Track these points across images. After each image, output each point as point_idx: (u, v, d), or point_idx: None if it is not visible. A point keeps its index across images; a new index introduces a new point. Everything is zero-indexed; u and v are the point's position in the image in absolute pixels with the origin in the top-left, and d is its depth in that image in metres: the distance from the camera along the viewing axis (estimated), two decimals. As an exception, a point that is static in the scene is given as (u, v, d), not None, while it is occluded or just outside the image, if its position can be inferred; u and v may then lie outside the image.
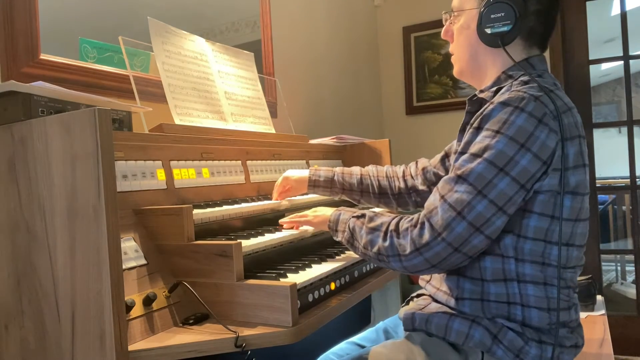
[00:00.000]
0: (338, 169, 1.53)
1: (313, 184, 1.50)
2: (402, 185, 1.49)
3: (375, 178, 1.51)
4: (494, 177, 0.93)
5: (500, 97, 0.99)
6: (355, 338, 1.39)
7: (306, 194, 1.56)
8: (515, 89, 1.00)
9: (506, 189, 0.93)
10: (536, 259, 0.98)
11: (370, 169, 1.54)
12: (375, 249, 1.03)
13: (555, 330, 0.98)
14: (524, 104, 0.95)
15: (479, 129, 0.98)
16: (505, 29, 1.04)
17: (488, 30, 1.06)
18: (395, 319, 1.41)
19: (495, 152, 0.93)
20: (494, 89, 1.08)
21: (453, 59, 1.20)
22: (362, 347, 1.32)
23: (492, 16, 1.05)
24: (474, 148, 0.97)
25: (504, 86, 1.06)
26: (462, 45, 1.15)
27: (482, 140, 0.96)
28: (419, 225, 0.97)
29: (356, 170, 1.53)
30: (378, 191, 1.50)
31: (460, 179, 0.96)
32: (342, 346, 1.37)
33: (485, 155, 0.94)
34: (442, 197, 0.96)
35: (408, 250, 0.97)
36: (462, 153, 0.99)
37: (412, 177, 1.49)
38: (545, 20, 1.08)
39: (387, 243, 1.01)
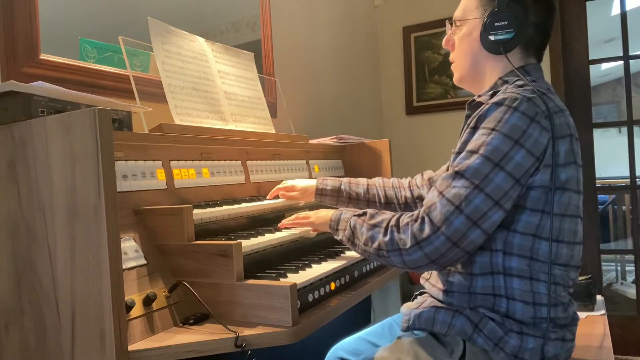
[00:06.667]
0: (345, 179, 1.56)
1: (320, 193, 1.53)
2: (408, 194, 1.53)
3: (382, 188, 1.55)
4: (490, 172, 0.97)
5: (495, 98, 1.04)
6: (363, 333, 1.41)
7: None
8: (509, 91, 1.04)
9: (502, 183, 0.96)
10: (524, 253, 1.02)
11: (377, 180, 1.58)
12: (375, 245, 1.05)
13: (547, 324, 1.01)
14: (517, 103, 1.00)
15: (475, 129, 1.03)
16: (507, 36, 1.11)
17: (491, 37, 1.12)
18: (400, 315, 1.43)
19: (491, 148, 0.98)
20: (490, 92, 1.12)
21: (453, 67, 1.25)
22: (370, 342, 1.35)
23: (496, 24, 1.11)
24: (470, 146, 1.01)
25: (500, 90, 1.10)
26: (464, 53, 1.20)
27: (479, 138, 1.00)
28: (419, 220, 1.00)
29: (363, 180, 1.57)
30: (384, 201, 1.53)
31: (457, 174, 0.99)
32: (349, 341, 1.38)
33: (481, 151, 0.98)
34: (441, 192, 0.99)
35: (409, 245, 0.99)
36: (459, 152, 1.03)
37: (418, 187, 1.52)
38: (542, 32, 1.15)
39: (387, 238, 1.03)
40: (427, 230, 0.97)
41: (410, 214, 1.03)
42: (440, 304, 1.09)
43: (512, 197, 0.98)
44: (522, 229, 1.01)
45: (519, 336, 1.00)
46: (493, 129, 0.99)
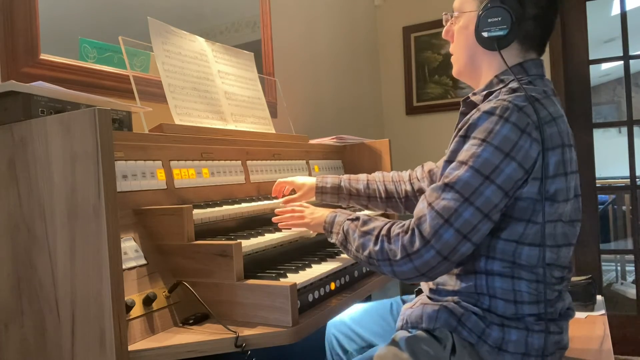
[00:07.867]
0: (345, 176, 1.55)
1: (320, 191, 1.52)
2: (408, 188, 1.51)
3: (382, 183, 1.53)
4: (480, 185, 0.95)
5: (486, 105, 1.01)
6: (357, 316, 1.44)
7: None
8: (501, 98, 1.02)
9: (492, 196, 0.95)
10: (506, 257, 1.02)
11: (377, 174, 1.56)
12: (366, 253, 1.05)
13: (545, 321, 1.01)
14: (508, 114, 0.97)
15: (465, 137, 1.01)
16: (501, 33, 1.07)
17: (485, 34, 1.09)
18: (389, 300, 1.47)
19: (482, 160, 0.96)
20: (485, 92, 1.10)
21: (452, 59, 1.22)
22: (362, 333, 1.39)
23: (490, 20, 1.07)
24: (461, 156, 0.99)
25: (494, 91, 1.08)
26: (461, 47, 1.18)
27: (469, 148, 0.99)
28: (409, 232, 0.99)
29: (362, 176, 1.55)
30: (385, 196, 1.52)
31: (447, 186, 0.98)
32: (345, 322, 1.42)
33: (472, 163, 0.96)
34: (430, 204, 0.98)
35: (399, 256, 0.99)
36: (449, 162, 1.01)
37: (418, 180, 1.51)
38: (542, 25, 1.10)
39: (377, 247, 1.02)
40: (417, 243, 0.96)
41: (402, 223, 1.03)
42: (428, 301, 1.11)
43: (500, 209, 0.98)
44: (506, 236, 1.01)
45: (500, 328, 1.01)
46: (484, 140, 0.97)
